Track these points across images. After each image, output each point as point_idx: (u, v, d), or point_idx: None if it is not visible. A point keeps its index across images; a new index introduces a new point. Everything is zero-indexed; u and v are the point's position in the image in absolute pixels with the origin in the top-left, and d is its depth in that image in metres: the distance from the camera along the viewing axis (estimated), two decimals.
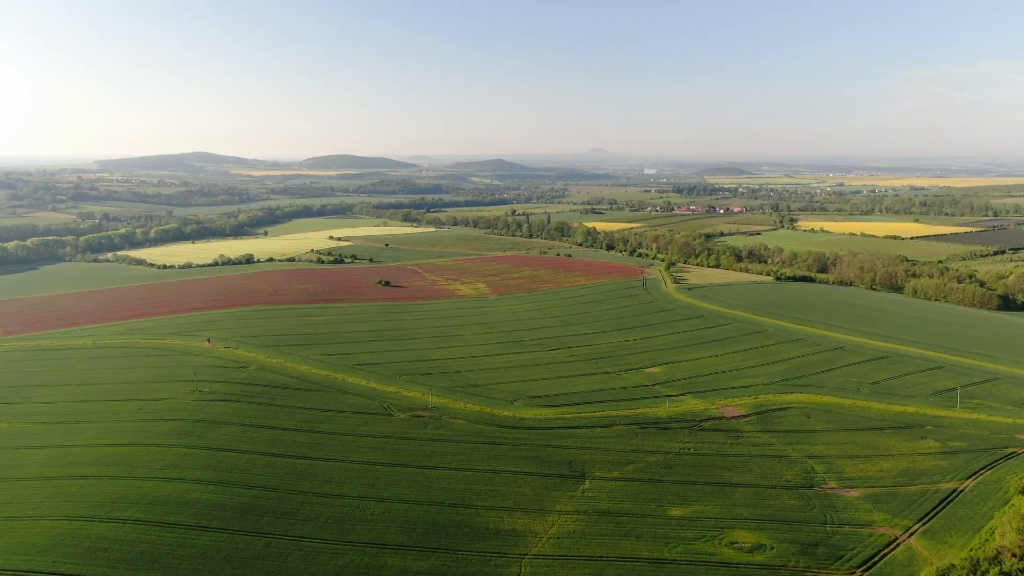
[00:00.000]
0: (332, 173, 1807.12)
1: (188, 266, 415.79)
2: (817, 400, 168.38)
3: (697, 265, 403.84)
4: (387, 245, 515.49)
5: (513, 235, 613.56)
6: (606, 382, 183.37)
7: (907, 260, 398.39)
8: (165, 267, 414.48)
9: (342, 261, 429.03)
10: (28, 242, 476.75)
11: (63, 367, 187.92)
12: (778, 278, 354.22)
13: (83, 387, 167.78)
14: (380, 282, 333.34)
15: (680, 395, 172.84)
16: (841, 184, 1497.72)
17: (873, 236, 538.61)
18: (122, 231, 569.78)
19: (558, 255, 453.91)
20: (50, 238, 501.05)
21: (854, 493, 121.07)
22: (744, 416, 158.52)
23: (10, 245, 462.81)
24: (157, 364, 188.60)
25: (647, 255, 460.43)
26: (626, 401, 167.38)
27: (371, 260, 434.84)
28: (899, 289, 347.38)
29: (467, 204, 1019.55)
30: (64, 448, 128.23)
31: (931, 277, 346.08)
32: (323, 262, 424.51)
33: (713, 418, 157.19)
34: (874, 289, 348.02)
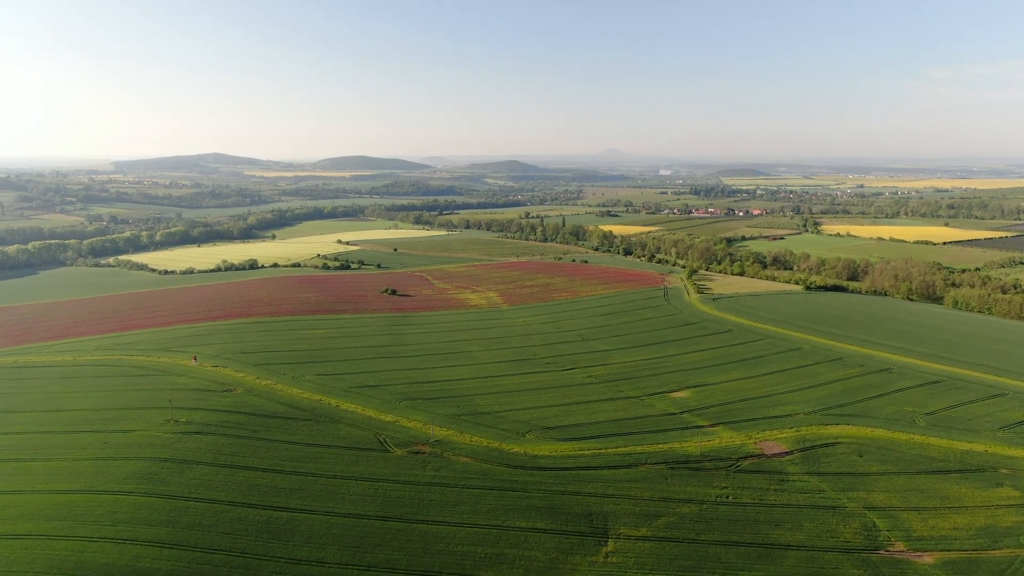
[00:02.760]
0: (346, 174, 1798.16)
1: (190, 271, 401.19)
2: (868, 434, 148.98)
3: (720, 272, 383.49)
4: (396, 250, 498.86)
5: (527, 239, 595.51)
6: (628, 409, 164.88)
7: (944, 268, 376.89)
8: (166, 272, 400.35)
9: (348, 267, 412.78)
10: (29, 246, 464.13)
11: (33, 389, 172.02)
12: (808, 287, 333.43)
13: (48, 415, 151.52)
14: (386, 290, 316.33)
15: (712, 426, 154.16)
16: (861, 185, 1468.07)
17: (903, 241, 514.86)
18: (127, 234, 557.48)
19: (573, 261, 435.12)
20: (52, 242, 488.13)
21: (928, 559, 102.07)
22: (786, 453, 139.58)
23: (10, 249, 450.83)
24: (135, 386, 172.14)
25: (667, 261, 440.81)
26: (651, 433, 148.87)
27: (379, 266, 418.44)
28: (938, 300, 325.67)
29: (480, 206, 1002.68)
30: (6, 495, 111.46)
31: (972, 287, 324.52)
32: (329, 268, 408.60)
33: (752, 456, 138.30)
34: (911, 299, 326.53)
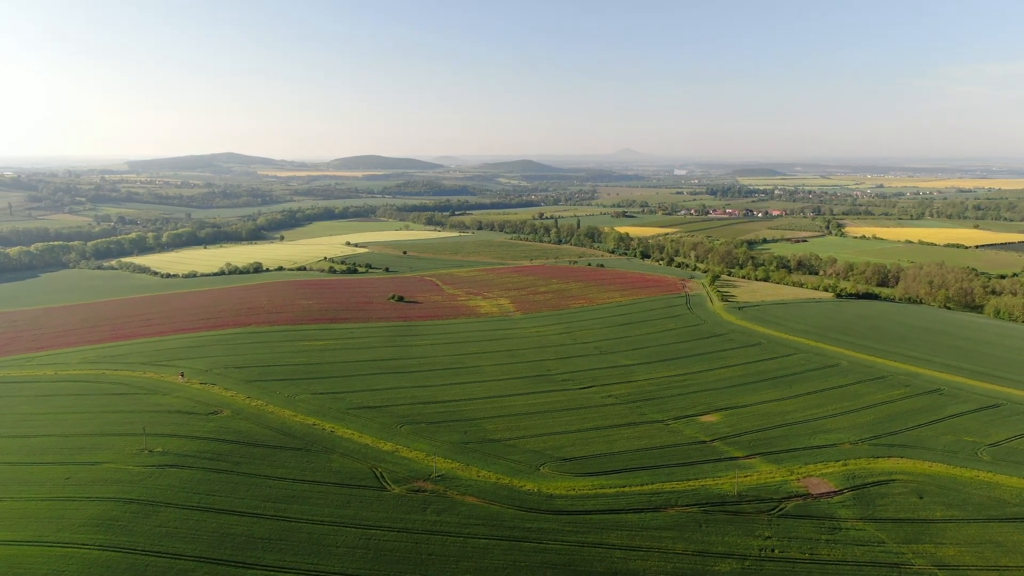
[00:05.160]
0: (359, 174, 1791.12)
1: (192, 275, 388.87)
2: (925, 469, 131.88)
3: (744, 278, 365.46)
4: (405, 252, 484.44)
5: (540, 241, 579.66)
6: (653, 436, 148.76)
7: (980, 273, 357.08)
8: (168, 276, 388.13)
9: (355, 271, 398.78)
10: (32, 248, 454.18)
11: (4, 410, 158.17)
12: (839, 295, 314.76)
13: (13, 441, 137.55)
14: (393, 297, 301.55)
15: (747, 457, 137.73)
16: (880, 186, 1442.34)
17: (933, 244, 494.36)
18: (133, 235, 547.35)
19: (589, 264, 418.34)
20: (56, 243, 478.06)
21: None
22: (835, 493, 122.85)
23: (12, 251, 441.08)
24: (114, 407, 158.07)
25: (686, 265, 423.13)
26: (680, 467, 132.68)
27: (387, 270, 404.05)
28: (976, 308, 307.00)
29: (493, 206, 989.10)
30: None
31: (1014, 295, 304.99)
32: (335, 272, 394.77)
33: (796, 496, 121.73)
34: (947, 308, 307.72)
